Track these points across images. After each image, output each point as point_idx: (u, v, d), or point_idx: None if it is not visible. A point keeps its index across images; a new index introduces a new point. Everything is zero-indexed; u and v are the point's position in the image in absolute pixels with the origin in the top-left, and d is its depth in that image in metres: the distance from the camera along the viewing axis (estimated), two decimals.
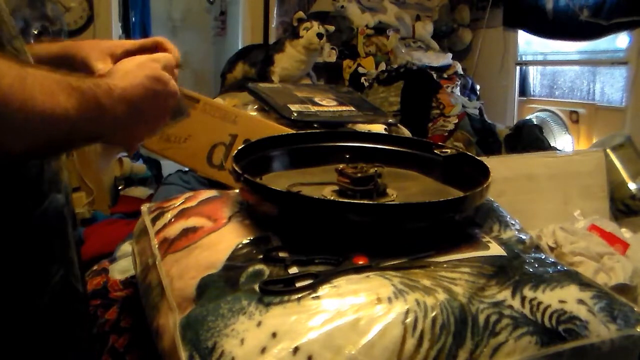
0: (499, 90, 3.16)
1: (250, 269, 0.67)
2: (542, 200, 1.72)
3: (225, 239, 0.74)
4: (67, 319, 0.65)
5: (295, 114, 1.54)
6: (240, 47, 2.75)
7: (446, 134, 2.45)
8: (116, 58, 0.71)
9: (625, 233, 1.60)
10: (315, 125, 1.54)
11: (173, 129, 1.47)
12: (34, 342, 0.59)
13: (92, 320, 0.90)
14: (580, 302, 0.67)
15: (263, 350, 0.56)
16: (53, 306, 0.62)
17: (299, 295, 0.62)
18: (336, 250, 0.68)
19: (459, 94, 2.79)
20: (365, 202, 0.77)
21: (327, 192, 0.81)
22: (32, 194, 0.60)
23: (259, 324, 0.58)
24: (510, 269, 0.70)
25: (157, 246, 0.80)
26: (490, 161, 0.90)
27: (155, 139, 1.48)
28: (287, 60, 2.00)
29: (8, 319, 0.56)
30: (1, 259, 0.55)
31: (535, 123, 2.70)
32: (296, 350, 0.55)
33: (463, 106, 2.60)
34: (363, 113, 1.72)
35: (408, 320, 0.59)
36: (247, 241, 0.73)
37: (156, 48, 0.74)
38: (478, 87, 3.01)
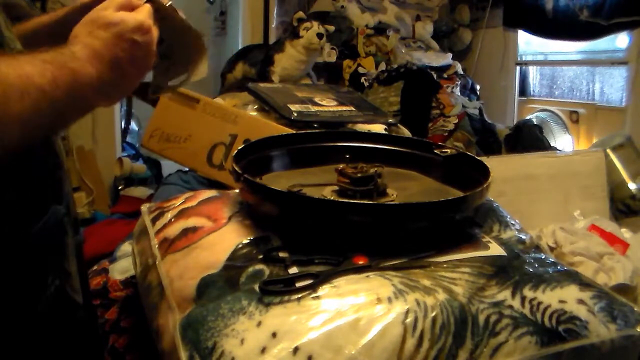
0: (499, 90, 3.15)
1: (250, 269, 0.67)
2: (542, 200, 1.72)
3: (225, 239, 0.74)
4: (62, 326, 0.65)
5: (295, 114, 1.54)
6: (240, 47, 2.74)
7: (446, 134, 2.45)
8: None
9: (625, 233, 1.60)
10: (315, 125, 1.54)
11: (173, 128, 1.47)
12: (29, 348, 0.59)
13: (93, 324, 0.90)
14: (580, 302, 0.67)
15: (263, 350, 0.56)
16: (48, 315, 0.61)
17: (299, 295, 0.62)
18: (336, 250, 0.68)
19: (459, 94, 2.78)
20: (365, 202, 0.77)
21: (327, 192, 0.81)
22: (34, 209, 0.59)
23: (259, 324, 0.58)
24: (510, 269, 0.70)
25: (157, 246, 0.80)
26: (490, 161, 0.90)
27: (155, 139, 1.48)
28: (287, 60, 2.00)
29: (3, 326, 0.56)
30: None
31: (535, 123, 2.70)
32: (296, 350, 0.55)
33: (463, 106, 2.59)
34: (363, 113, 1.72)
35: (408, 320, 0.59)
36: (247, 241, 0.73)
37: None
38: (478, 87, 3.01)
